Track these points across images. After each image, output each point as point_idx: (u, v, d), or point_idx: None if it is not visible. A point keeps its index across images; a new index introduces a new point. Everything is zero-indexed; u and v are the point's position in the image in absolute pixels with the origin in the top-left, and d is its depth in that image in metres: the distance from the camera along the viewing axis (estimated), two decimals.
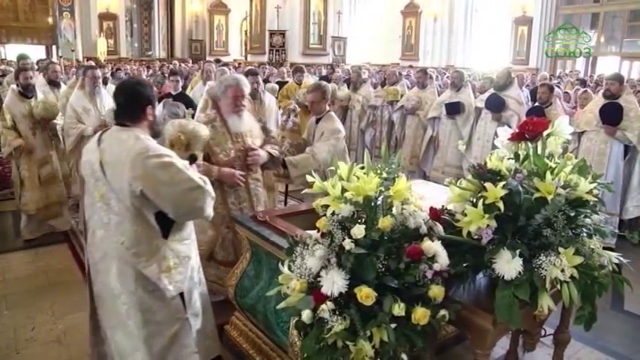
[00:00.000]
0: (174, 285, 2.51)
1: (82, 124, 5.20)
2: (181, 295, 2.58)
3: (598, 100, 5.71)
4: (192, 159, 2.80)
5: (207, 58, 17.77)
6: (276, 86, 8.53)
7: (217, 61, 11.30)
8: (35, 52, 18.59)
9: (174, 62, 16.15)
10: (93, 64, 8.58)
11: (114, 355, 2.65)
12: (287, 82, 9.37)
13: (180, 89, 6.67)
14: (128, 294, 2.48)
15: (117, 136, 2.46)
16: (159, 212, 2.45)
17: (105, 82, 7.18)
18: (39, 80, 6.45)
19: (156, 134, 2.65)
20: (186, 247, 2.62)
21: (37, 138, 5.31)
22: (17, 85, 5.26)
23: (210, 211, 2.53)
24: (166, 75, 9.19)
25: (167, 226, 2.51)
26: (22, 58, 6.85)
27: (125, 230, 2.43)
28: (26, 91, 5.24)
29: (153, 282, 2.47)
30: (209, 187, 2.48)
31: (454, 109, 6.71)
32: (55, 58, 18.20)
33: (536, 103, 6.15)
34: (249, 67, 6.98)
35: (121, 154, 2.36)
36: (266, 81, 8.76)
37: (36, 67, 8.38)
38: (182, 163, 2.45)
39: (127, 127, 2.47)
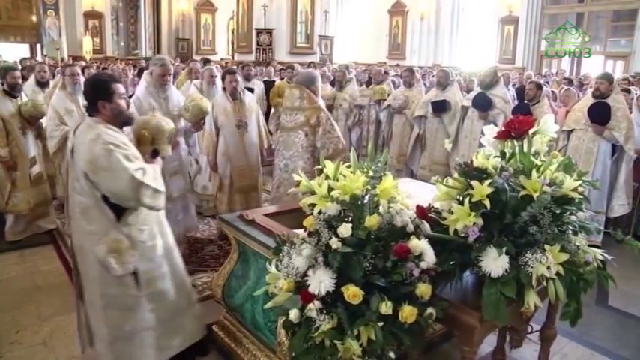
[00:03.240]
0: (121, 265, 2.70)
1: (65, 125, 5.14)
2: (136, 275, 2.79)
3: (587, 99, 5.74)
4: (154, 154, 3.01)
5: (194, 57, 17.63)
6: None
7: (207, 61, 11.21)
8: (19, 51, 18.39)
9: (140, 61, 16.13)
10: (71, 62, 8.45)
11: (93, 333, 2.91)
12: (274, 81, 9.36)
13: None
14: (91, 269, 2.78)
15: (85, 125, 2.74)
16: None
17: None
18: (29, 80, 6.37)
19: (125, 124, 2.86)
20: (143, 233, 2.81)
21: (26, 137, 5.23)
22: (2, 84, 5.17)
23: (149, 202, 2.68)
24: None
25: (121, 210, 2.73)
26: (9, 69, 6.71)
27: (85, 211, 2.72)
28: (13, 91, 5.16)
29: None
30: (148, 180, 2.64)
31: (440, 108, 6.73)
32: (39, 57, 18.00)
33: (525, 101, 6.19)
34: (228, 67, 6.94)
35: (84, 141, 2.66)
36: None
37: (20, 66, 8.27)
38: (127, 154, 2.62)
39: (93, 118, 2.74)
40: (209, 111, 4.54)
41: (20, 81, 5.33)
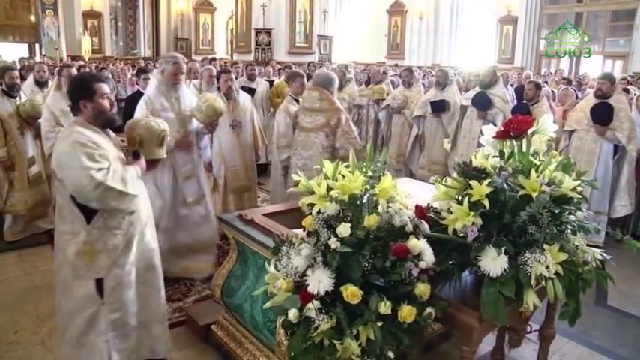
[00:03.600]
0: (88, 269, 2.66)
1: (61, 126, 5.12)
2: (101, 282, 2.70)
3: (589, 99, 5.73)
4: (135, 156, 2.89)
5: (193, 57, 17.65)
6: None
7: (212, 60, 11.20)
8: (18, 51, 18.37)
9: (139, 61, 16.19)
10: (69, 62, 8.43)
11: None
12: (273, 80, 9.35)
13: None
14: (62, 269, 2.76)
15: (67, 124, 2.80)
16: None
17: None
18: (28, 80, 6.36)
19: (107, 124, 2.80)
20: (115, 237, 2.70)
21: (25, 138, 5.22)
22: (0, 85, 5.15)
23: (114, 204, 2.61)
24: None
25: (92, 211, 2.65)
26: (7, 68, 6.70)
27: (60, 210, 2.73)
28: (11, 91, 5.15)
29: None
30: (111, 181, 2.53)
31: (439, 107, 6.73)
32: (38, 57, 17.98)
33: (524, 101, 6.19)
34: (224, 66, 6.98)
35: (59, 139, 2.74)
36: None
37: (18, 66, 8.25)
38: (91, 153, 2.53)
39: (75, 118, 2.73)
40: (224, 111, 4.35)
41: (19, 81, 5.31)
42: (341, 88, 8.26)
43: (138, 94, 5.45)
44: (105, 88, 2.77)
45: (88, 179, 2.49)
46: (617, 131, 5.36)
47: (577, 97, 7.58)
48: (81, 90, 2.71)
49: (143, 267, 2.88)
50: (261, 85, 8.67)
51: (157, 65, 6.64)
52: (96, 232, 2.66)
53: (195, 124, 4.31)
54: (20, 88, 5.33)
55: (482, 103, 6.23)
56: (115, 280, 2.73)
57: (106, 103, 2.73)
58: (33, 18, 20.14)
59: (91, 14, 21.16)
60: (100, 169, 2.53)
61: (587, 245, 2.28)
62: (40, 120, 5.29)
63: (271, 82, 9.00)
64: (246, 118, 5.22)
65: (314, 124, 4.53)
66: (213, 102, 4.17)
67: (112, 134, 2.91)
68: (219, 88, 5.19)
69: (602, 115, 5.41)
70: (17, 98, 5.20)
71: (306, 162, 4.50)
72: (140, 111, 4.04)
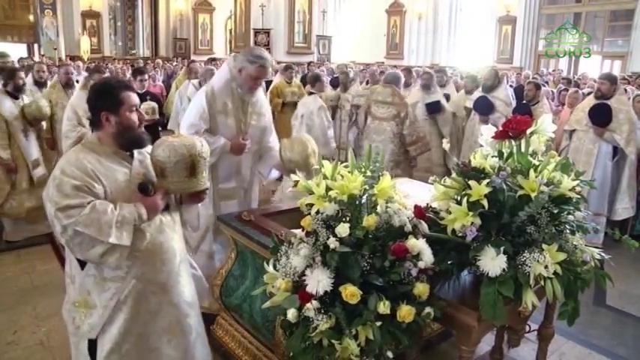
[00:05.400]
0: (81, 324, 2.21)
1: (83, 127, 5.07)
2: (94, 344, 2.22)
3: (589, 100, 5.71)
4: (143, 189, 2.20)
5: (192, 57, 17.66)
6: None
7: (212, 59, 11.22)
8: (16, 51, 18.33)
9: (138, 61, 16.19)
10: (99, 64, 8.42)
11: None
12: (271, 80, 9.34)
13: (146, 88, 6.53)
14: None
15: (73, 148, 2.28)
16: None
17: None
18: (27, 80, 6.36)
19: (134, 145, 2.26)
20: (109, 292, 2.18)
21: (29, 139, 5.20)
22: (3, 86, 5.13)
23: (88, 256, 2.08)
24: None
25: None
26: (1, 56, 6.72)
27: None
28: (17, 92, 5.13)
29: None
30: (84, 227, 2.00)
31: (435, 109, 6.69)
32: (37, 57, 17.95)
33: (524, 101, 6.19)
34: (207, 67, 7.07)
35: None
36: None
37: (17, 65, 8.25)
38: (68, 185, 2.02)
39: (94, 134, 2.25)
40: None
41: (22, 82, 5.29)
42: (345, 89, 8.28)
43: None
44: (134, 98, 2.24)
45: (55, 219, 2.03)
46: (616, 133, 5.34)
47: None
48: (105, 99, 2.19)
49: (134, 333, 2.25)
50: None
51: (189, 66, 6.36)
52: (90, 281, 2.19)
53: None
54: (25, 89, 5.32)
55: (483, 108, 6.21)
56: (111, 343, 2.20)
57: (134, 117, 2.22)
58: (31, 18, 20.11)
59: (89, 14, 21.13)
60: (69, 207, 2.01)
61: (586, 246, 2.28)
62: (43, 122, 5.28)
63: (268, 82, 8.97)
64: None
65: (387, 115, 5.56)
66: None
67: (141, 157, 2.31)
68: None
69: (600, 115, 5.39)
70: (20, 99, 5.18)
71: (378, 145, 5.43)
72: (196, 109, 3.39)
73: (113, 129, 2.19)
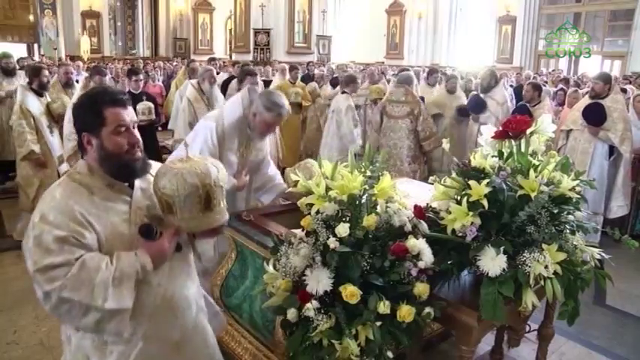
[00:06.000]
0: None
1: None
2: None
3: (585, 100, 5.73)
4: (145, 233, 1.74)
5: (192, 57, 17.64)
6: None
7: (212, 59, 11.20)
8: (16, 51, 18.32)
9: (135, 61, 16.26)
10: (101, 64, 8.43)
11: None
12: (271, 80, 9.34)
13: (141, 88, 6.53)
14: None
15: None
16: None
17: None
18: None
19: (130, 174, 1.80)
20: (112, 358, 1.77)
21: (53, 135, 5.26)
22: (28, 84, 5.21)
23: (79, 324, 1.67)
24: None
25: None
26: (4, 56, 6.72)
27: None
28: (41, 89, 5.21)
29: None
30: (69, 292, 1.58)
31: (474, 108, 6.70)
32: (36, 57, 17.95)
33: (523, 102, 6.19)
34: (248, 68, 7.05)
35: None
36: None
37: (17, 65, 8.23)
38: (49, 236, 1.60)
39: (82, 161, 1.80)
40: None
41: (48, 80, 5.38)
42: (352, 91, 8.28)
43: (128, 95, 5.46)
44: (123, 116, 1.73)
45: (35, 283, 1.63)
46: (611, 132, 5.36)
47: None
48: (85, 116, 1.73)
49: None
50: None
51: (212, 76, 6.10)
52: (88, 344, 1.78)
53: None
54: (49, 87, 5.39)
55: (474, 106, 6.28)
56: None
57: (120, 140, 1.71)
58: (31, 18, 20.10)
59: (89, 14, 21.12)
60: (51, 267, 1.58)
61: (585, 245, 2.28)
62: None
63: (268, 82, 8.96)
64: None
65: (401, 113, 5.96)
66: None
67: (144, 184, 1.85)
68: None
69: (593, 115, 5.41)
70: (44, 97, 5.25)
71: (396, 142, 5.97)
72: (206, 144, 3.14)
73: (94, 154, 1.73)
